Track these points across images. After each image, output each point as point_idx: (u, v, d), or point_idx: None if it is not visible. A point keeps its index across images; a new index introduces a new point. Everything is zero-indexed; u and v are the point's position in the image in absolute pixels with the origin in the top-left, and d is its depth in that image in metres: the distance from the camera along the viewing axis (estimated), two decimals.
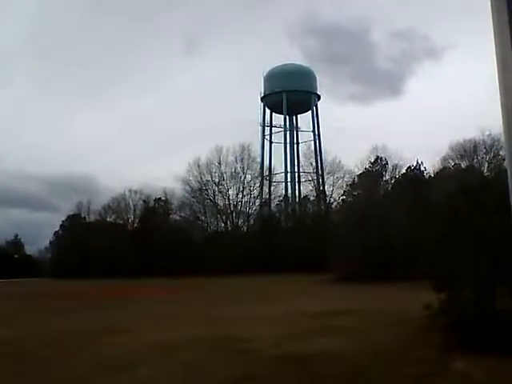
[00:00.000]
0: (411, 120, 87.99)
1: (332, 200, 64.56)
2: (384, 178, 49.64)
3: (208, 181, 65.23)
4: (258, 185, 67.43)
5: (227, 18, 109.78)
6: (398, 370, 8.68)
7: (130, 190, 65.86)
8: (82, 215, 68.22)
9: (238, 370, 9.09)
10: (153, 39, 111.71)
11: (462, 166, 46.26)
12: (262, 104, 73.49)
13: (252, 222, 65.91)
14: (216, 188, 65.19)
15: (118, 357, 10.61)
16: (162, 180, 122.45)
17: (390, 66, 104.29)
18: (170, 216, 66.90)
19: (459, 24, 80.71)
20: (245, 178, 65.47)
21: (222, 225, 65.69)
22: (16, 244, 75.70)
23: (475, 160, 46.35)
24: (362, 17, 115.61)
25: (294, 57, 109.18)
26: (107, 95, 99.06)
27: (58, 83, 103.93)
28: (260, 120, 73.39)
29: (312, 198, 68.47)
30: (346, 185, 55.48)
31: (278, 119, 74.30)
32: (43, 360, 10.66)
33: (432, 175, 45.98)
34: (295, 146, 74.70)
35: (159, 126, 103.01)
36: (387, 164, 49.49)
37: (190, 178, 65.15)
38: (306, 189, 70.83)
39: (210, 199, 65.21)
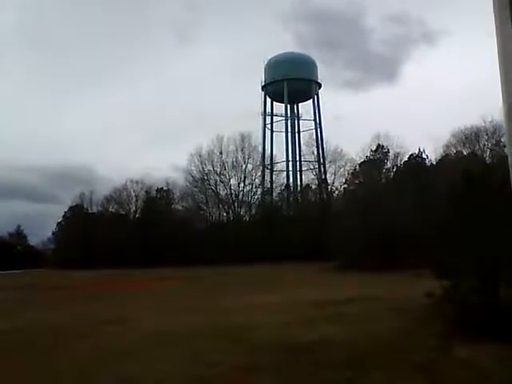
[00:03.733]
0: (411, 106, 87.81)
1: (334, 188, 64.52)
2: (386, 166, 49.57)
3: (209, 170, 65.20)
4: (259, 174, 67.36)
5: (220, 5, 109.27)
6: (400, 358, 8.69)
7: (132, 181, 65.88)
8: (85, 206, 68.31)
9: (240, 359, 9.11)
10: (152, 28, 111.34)
11: (464, 153, 46.11)
12: (263, 93, 73.19)
13: (254, 211, 65.88)
14: (217, 178, 65.15)
15: (119, 345, 10.66)
16: (162, 170, 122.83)
17: (386, 52, 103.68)
18: (172, 206, 66.90)
19: (458, 7, 79.88)
20: (246, 167, 65.40)
21: (224, 214, 65.69)
22: (18, 235, 75.82)
23: (477, 147, 46.18)
24: (356, 0, 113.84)
25: (288, 43, 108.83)
26: (106, 85, 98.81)
27: (57, 73, 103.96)
28: (261, 109, 73.22)
29: (314, 187, 68.38)
30: (348, 173, 55.40)
31: (279, 108, 74.13)
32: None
33: (434, 162, 45.91)
34: (296, 134, 74.50)
35: (158, 116, 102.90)
36: (389, 152, 49.40)
37: (192, 168, 65.13)
38: (308, 177, 70.85)
39: (211, 189, 65.14)
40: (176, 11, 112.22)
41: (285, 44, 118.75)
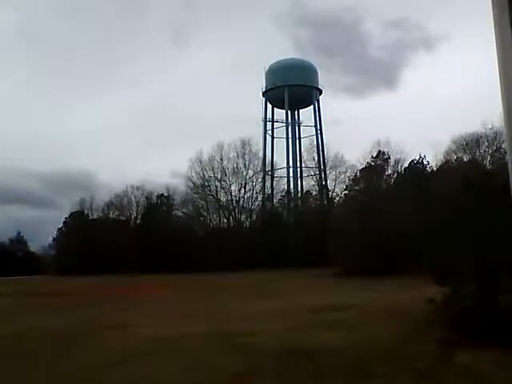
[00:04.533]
0: (411, 112, 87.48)
1: (334, 195, 64.52)
2: (386, 173, 49.53)
3: (210, 177, 65.21)
4: (260, 180, 67.35)
5: (219, 10, 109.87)
6: (401, 364, 8.67)
7: (133, 187, 65.89)
8: (85, 212, 68.28)
9: (240, 365, 9.09)
10: (153, 33, 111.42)
11: (465, 159, 46.09)
12: (264, 99, 73.29)
13: (254, 217, 65.84)
14: (218, 184, 65.16)
15: (120, 351, 10.64)
16: (162, 176, 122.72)
17: (386, 57, 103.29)
18: (173, 212, 66.87)
19: (457, 12, 79.78)
20: (247, 173, 65.44)
21: (225, 221, 65.63)
22: (19, 241, 75.74)
23: (478, 153, 46.16)
24: (355, 6, 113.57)
25: (287, 48, 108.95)
26: (105, 90, 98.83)
27: (55, 79, 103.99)
28: (261, 115, 73.32)
29: (314, 193, 68.42)
30: (349, 179, 55.36)
31: (280, 114, 74.20)
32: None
33: (434, 169, 45.88)
34: (297, 140, 74.50)
35: (158, 122, 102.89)
36: (389, 158, 49.36)
37: (193, 174, 65.13)
38: (309, 184, 70.80)
39: (212, 195, 65.12)
40: (176, 14, 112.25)
41: (284, 49, 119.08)
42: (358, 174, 50.43)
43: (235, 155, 65.23)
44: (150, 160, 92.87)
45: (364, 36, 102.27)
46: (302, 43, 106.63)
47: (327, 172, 66.59)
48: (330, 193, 65.42)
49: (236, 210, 64.94)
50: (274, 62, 72.33)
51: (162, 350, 10.82)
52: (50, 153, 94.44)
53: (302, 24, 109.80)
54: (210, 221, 65.76)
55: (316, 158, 70.16)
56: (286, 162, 71.67)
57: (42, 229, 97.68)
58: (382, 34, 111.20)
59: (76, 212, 68.04)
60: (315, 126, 72.45)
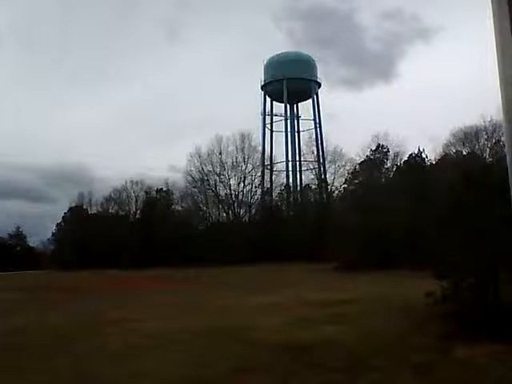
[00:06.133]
0: (409, 105, 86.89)
1: (333, 188, 64.42)
2: (385, 166, 49.49)
3: (209, 171, 65.04)
4: (259, 174, 67.08)
5: (215, 4, 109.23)
6: (400, 358, 8.67)
7: (132, 181, 65.77)
8: (85, 207, 68.27)
9: (240, 360, 9.08)
10: (150, 28, 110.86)
11: (464, 152, 46.04)
12: (263, 92, 73.07)
13: (253, 211, 65.83)
14: (217, 178, 65.00)
15: (120, 346, 10.64)
16: (161, 171, 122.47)
17: (383, 49, 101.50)
18: (172, 206, 66.84)
19: (455, 3, 78.78)
20: (246, 167, 65.21)
21: (224, 215, 65.56)
22: (18, 236, 75.64)
23: (477, 146, 46.10)
24: None
25: (282, 41, 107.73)
26: (104, 84, 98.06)
27: (54, 74, 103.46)
28: (260, 108, 73.14)
29: (313, 187, 68.29)
30: (348, 173, 55.29)
31: (279, 108, 74.00)
32: None
33: (433, 162, 45.82)
34: (296, 134, 74.32)
35: (157, 116, 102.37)
36: (389, 152, 49.28)
37: (192, 169, 64.95)
38: (308, 177, 70.59)
39: (211, 189, 65.03)
40: (173, 8, 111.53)
41: (279, 42, 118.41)
42: (358, 167, 50.43)
43: (234, 149, 65.07)
44: (149, 154, 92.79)
45: (360, 28, 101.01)
46: (297, 36, 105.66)
47: (326, 166, 66.43)
48: (330, 186, 65.38)
49: (235, 204, 64.89)
50: (272, 55, 72.10)
51: (162, 344, 10.82)
52: (49, 147, 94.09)
53: (297, 16, 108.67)
54: (210, 215, 65.77)
55: (315, 152, 70.01)
56: (285, 156, 71.50)
57: (41, 224, 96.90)
58: (377, 25, 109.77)
59: (75, 207, 67.98)
60: (314, 119, 72.26)
